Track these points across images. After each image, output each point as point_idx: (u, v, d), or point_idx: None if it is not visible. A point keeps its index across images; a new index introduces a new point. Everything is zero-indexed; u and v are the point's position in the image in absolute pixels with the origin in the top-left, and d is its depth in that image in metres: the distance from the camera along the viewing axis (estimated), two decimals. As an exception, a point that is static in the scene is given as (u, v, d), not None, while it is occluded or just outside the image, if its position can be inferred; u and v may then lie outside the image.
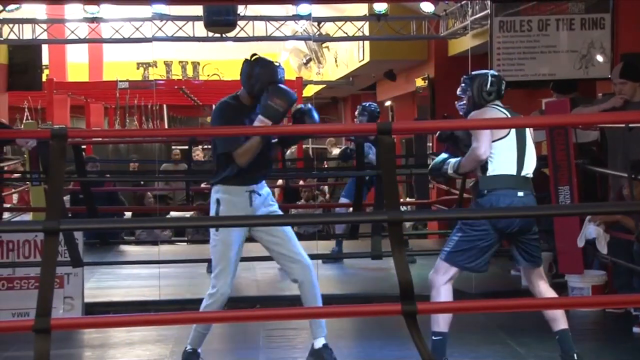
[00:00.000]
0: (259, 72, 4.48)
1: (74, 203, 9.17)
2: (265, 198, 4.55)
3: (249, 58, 4.59)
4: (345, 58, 13.42)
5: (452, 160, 4.55)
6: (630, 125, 5.32)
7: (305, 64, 16.11)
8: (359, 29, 10.41)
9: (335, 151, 14.43)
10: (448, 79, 10.66)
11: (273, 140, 4.59)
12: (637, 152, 5.72)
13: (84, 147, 8.39)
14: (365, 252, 7.07)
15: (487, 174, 4.40)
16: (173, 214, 9.92)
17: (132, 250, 9.24)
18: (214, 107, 4.70)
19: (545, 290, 4.55)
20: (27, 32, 9.95)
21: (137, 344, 5.39)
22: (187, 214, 9.71)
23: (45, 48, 11.92)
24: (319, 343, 4.61)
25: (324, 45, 13.93)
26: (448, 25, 9.97)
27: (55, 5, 9.96)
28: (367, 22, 10.35)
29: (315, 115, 4.60)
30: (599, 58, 7.41)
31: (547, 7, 7.60)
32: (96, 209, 7.44)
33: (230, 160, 4.43)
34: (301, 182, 11.71)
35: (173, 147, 13.00)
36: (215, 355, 5.07)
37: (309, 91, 16.45)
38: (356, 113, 8.36)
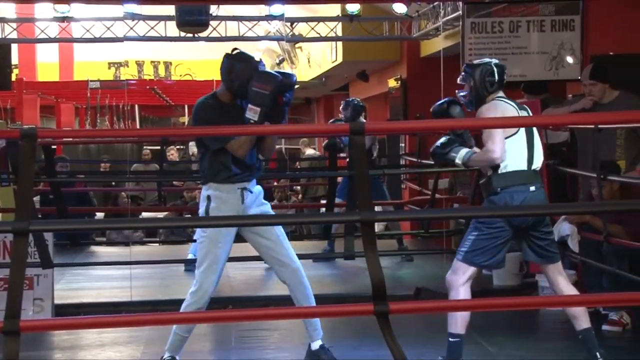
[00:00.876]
0: (240, 67, 4.43)
1: (44, 204, 9.09)
2: (257, 196, 4.51)
3: (230, 52, 4.54)
4: (318, 58, 13.43)
5: (463, 152, 4.43)
6: (600, 126, 5.37)
7: (278, 64, 16.09)
8: (331, 30, 10.42)
9: (309, 151, 14.44)
10: (420, 80, 10.70)
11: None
12: (606, 152, 5.79)
13: (54, 147, 8.30)
14: (338, 253, 7.09)
15: (500, 171, 4.37)
16: (145, 214, 9.86)
17: (103, 251, 9.18)
18: (193, 107, 4.65)
19: (565, 287, 4.45)
20: (-4, 31, 9.85)
21: (108, 345, 5.35)
22: (160, 215, 9.66)
23: (15, 47, 11.78)
24: (316, 345, 4.61)
25: (296, 45, 13.93)
26: (420, 26, 10.01)
27: (25, 4, 9.86)
28: (340, 23, 10.37)
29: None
30: (569, 59, 7.48)
31: (518, 9, 7.66)
32: (66, 210, 7.39)
33: (222, 157, 4.38)
34: (275, 183, 11.71)
35: (144, 147, 12.93)
36: (186, 355, 5.04)
37: (282, 91, 16.40)
38: (340, 108, 8.38)
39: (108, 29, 9.90)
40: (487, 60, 4.59)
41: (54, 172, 7.52)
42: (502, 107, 4.44)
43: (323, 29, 10.39)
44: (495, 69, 4.49)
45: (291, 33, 10.45)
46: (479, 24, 7.72)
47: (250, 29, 10.16)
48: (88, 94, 13.36)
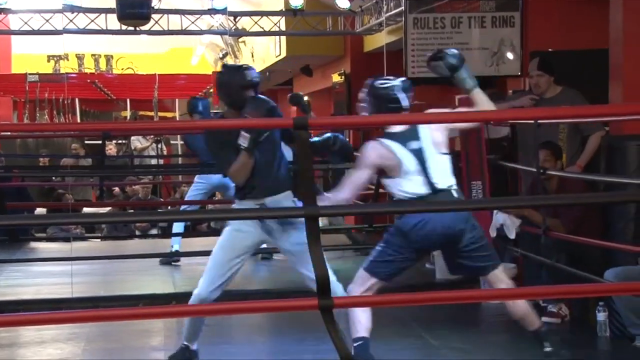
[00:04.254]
0: (226, 79, 4.38)
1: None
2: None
3: (218, 70, 4.53)
4: (262, 53, 13.38)
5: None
6: (540, 121, 5.47)
7: (222, 58, 16.00)
8: (275, 24, 10.40)
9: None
10: (364, 75, 10.59)
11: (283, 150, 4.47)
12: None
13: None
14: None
15: (397, 199, 4.28)
16: (86, 209, 9.72)
17: (43, 247, 9.02)
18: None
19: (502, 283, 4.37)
20: None
21: (49, 342, 5.27)
22: (103, 210, 9.53)
23: (-51, 39, 11.53)
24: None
25: (240, 40, 13.86)
26: (364, 21, 10.05)
27: (-40, -5, 9.61)
28: (284, 17, 10.35)
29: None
30: (509, 55, 7.58)
31: (460, 5, 7.73)
32: (5, 205, 7.24)
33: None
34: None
35: (79, 142, 12.70)
36: (150, 350, 5.01)
37: (225, 86, 16.31)
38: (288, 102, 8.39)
39: (47, 21, 9.70)
40: (391, 83, 4.40)
41: (-8, 166, 7.37)
42: (377, 150, 4.26)
43: (266, 23, 10.36)
44: (398, 95, 4.33)
45: (234, 27, 10.39)
46: (421, 19, 7.78)
47: (192, 22, 10.07)
48: (27, 87, 13.11)
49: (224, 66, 4.51)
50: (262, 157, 4.32)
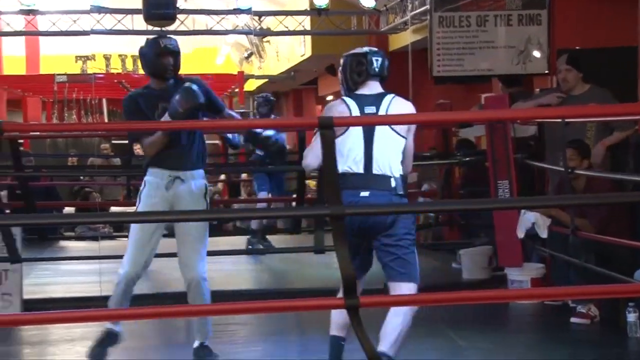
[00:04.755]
0: (144, 51, 4.55)
1: (11, 198, 8.99)
2: (193, 191, 4.46)
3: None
4: (287, 52, 13.41)
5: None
6: (567, 120, 5.43)
7: (247, 58, 16.05)
8: (300, 24, 10.41)
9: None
10: (389, 74, 10.71)
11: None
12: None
13: (21, 141, 8.22)
14: (307, 247, 7.09)
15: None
16: (113, 208, 9.79)
17: (72, 246, 9.10)
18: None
19: (389, 314, 3.98)
20: (-40, 24, 9.73)
21: (78, 340, 5.31)
22: (130, 209, 9.60)
23: (-21, 40, 11.66)
24: (197, 343, 4.63)
25: (265, 39, 13.90)
26: (388, 20, 10.04)
27: (-10, -3, 9.75)
28: (309, 17, 10.37)
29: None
30: (536, 54, 7.54)
31: (486, 3, 7.70)
32: (34, 204, 7.31)
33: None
34: (244, 177, 11.68)
35: (103, 142, 12.79)
36: (156, 350, 5.03)
37: (251, 85, 16.40)
38: (256, 104, 8.50)
39: (74, 22, 9.80)
40: (362, 50, 4.21)
41: (22, 166, 7.43)
42: (334, 107, 4.06)
43: (291, 22, 10.39)
44: (366, 58, 4.10)
45: (259, 27, 10.43)
46: (446, 18, 7.76)
47: (218, 22, 10.13)
48: (55, 88, 13.23)
49: (146, 40, 4.63)
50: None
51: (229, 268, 7.64)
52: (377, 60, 4.12)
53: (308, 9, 10.20)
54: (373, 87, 4.11)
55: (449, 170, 8.26)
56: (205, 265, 4.59)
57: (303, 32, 10.75)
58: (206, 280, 4.55)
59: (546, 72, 7.43)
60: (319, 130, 3.27)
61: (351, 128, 3.98)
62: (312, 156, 3.99)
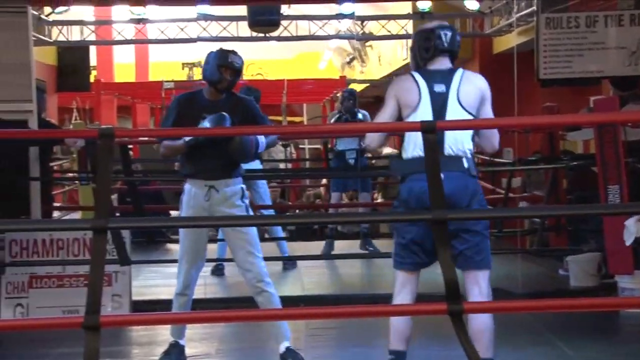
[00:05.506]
0: (211, 57, 4.63)
1: (121, 202, 9.27)
2: (228, 197, 4.61)
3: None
4: (389, 57, 13.38)
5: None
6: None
7: (349, 62, 16.10)
8: (402, 27, 10.36)
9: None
10: (493, 77, 10.49)
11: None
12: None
13: (130, 146, 8.46)
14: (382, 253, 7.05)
15: (403, 156, 3.85)
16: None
17: (177, 249, 9.29)
18: None
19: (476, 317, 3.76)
20: (75, 34, 10.08)
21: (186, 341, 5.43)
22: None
23: (93, 49, 12.07)
24: (283, 347, 4.67)
25: (367, 44, 13.90)
26: (493, 22, 9.88)
27: (102, 7, 10.08)
28: (411, 21, 10.31)
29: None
30: (649, 54, 7.29)
31: (596, 3, 7.50)
32: (143, 208, 7.51)
33: (189, 155, 4.63)
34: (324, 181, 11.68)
35: None
36: (258, 353, 5.09)
37: (353, 90, 16.40)
38: (340, 100, 8.52)
39: (182, 30, 10.05)
40: (431, 25, 3.99)
41: (131, 171, 7.65)
42: (402, 82, 3.88)
43: (394, 26, 10.35)
44: (435, 33, 3.89)
45: (362, 31, 10.44)
46: (554, 19, 7.59)
47: (320, 27, 10.19)
48: (162, 94, 13.57)
49: (217, 49, 4.73)
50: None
51: (329, 272, 7.68)
52: (445, 34, 3.90)
53: (411, 12, 10.14)
54: (442, 63, 3.90)
55: (556, 175, 8.07)
56: (264, 266, 4.68)
57: (405, 36, 10.68)
58: (267, 281, 4.65)
59: (660, 73, 7.18)
60: (422, 134, 3.23)
61: (420, 107, 3.80)
62: (376, 135, 3.91)
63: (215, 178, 4.61)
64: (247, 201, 4.72)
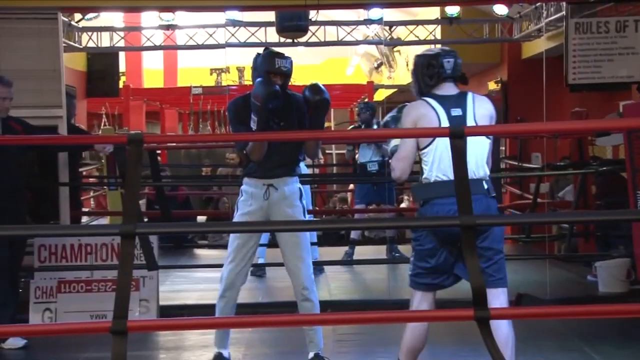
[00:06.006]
0: (259, 62, 4.58)
1: (149, 207, 9.33)
2: (287, 196, 4.60)
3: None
4: (417, 62, 13.33)
5: (393, 143, 3.99)
6: None
7: (377, 68, 16.07)
8: (430, 33, 10.34)
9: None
10: (522, 82, 10.50)
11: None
12: None
13: (158, 152, 8.52)
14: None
15: (424, 181, 3.88)
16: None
17: (205, 254, 9.34)
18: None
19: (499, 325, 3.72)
20: (105, 40, 10.18)
21: (211, 346, 5.42)
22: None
23: (122, 55, 12.18)
24: (312, 354, 4.69)
25: (395, 49, 13.88)
26: (522, 27, 9.83)
27: (132, 14, 10.16)
28: (439, 26, 10.28)
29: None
30: (681, 59, 7.22)
31: (626, 8, 7.43)
32: (170, 213, 7.55)
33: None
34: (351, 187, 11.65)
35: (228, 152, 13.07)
36: (284, 359, 5.10)
37: (380, 95, 16.41)
38: (358, 111, 8.59)
39: (210, 35, 10.10)
40: (433, 51, 4.06)
41: (159, 176, 7.70)
42: (418, 108, 3.90)
43: (422, 32, 10.33)
44: (438, 61, 3.95)
45: (390, 37, 10.43)
46: (583, 24, 7.54)
47: (348, 33, 10.19)
48: (191, 100, 13.65)
49: (264, 50, 4.67)
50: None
51: (355, 278, 7.67)
52: (448, 62, 3.98)
53: (439, 17, 10.11)
54: (449, 88, 3.98)
55: (584, 180, 8.01)
56: (311, 274, 4.67)
57: (434, 42, 10.66)
58: (312, 289, 4.64)
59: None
60: (449, 140, 3.22)
61: (441, 122, 3.84)
62: (405, 166, 3.89)
63: (274, 176, 4.61)
64: (304, 202, 4.71)
